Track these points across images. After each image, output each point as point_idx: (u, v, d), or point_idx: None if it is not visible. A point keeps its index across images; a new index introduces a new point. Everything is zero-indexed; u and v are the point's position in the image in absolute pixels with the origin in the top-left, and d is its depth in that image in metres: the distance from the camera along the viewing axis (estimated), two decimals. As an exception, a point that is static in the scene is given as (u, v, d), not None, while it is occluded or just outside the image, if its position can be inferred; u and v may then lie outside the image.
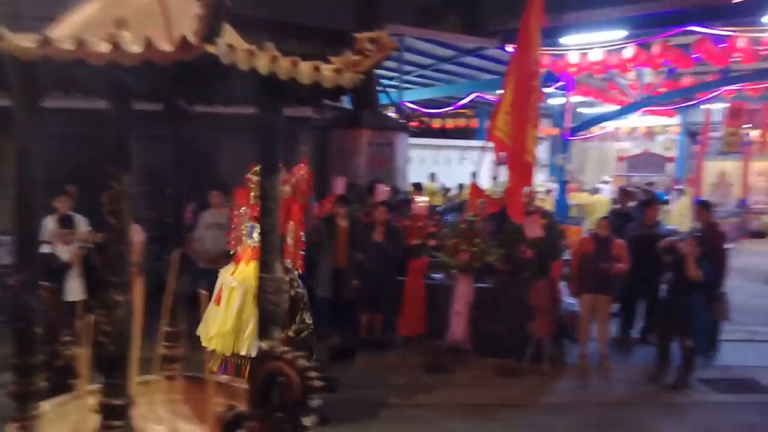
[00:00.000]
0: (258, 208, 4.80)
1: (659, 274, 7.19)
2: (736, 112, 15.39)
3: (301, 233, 4.91)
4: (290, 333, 4.79)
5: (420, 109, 18.78)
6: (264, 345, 2.45)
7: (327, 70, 2.43)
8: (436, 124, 20.95)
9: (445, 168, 20.86)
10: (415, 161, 20.67)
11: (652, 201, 8.11)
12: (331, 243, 7.16)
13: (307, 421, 2.23)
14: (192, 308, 3.42)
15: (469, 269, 7.06)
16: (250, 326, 4.24)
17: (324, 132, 9.60)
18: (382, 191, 8.02)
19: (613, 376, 6.89)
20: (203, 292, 3.39)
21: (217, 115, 7.89)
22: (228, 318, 4.29)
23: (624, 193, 9.52)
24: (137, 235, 6.08)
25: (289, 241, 4.91)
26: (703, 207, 7.81)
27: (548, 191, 14.65)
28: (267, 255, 2.80)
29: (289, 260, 5.28)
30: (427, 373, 6.78)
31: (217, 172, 8.27)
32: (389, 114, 12.96)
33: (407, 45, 14.55)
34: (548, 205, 13.64)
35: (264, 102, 2.65)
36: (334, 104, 10.39)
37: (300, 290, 5.13)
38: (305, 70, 2.36)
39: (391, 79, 15.90)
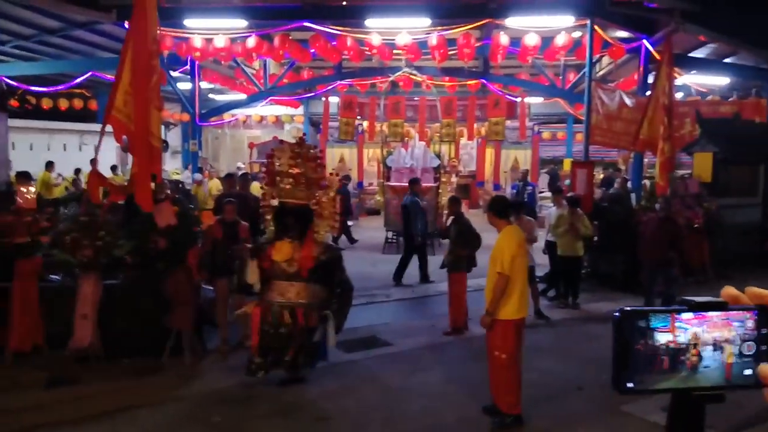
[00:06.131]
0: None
1: None
2: (349, 104, 17.26)
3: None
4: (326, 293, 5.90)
5: (23, 85, 16.14)
6: None
7: None
8: (47, 104, 18.30)
9: (63, 155, 18.62)
10: (23, 147, 17.94)
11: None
12: None
13: None
14: None
15: (94, 266, 6.39)
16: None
17: None
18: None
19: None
20: None
21: None
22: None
23: (228, 178, 9.84)
24: None
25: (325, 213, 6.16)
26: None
27: (198, 182, 14.24)
28: None
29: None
30: (48, 388, 5.92)
31: None
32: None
33: None
34: (200, 195, 13.30)
35: None
36: None
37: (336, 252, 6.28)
38: None
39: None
